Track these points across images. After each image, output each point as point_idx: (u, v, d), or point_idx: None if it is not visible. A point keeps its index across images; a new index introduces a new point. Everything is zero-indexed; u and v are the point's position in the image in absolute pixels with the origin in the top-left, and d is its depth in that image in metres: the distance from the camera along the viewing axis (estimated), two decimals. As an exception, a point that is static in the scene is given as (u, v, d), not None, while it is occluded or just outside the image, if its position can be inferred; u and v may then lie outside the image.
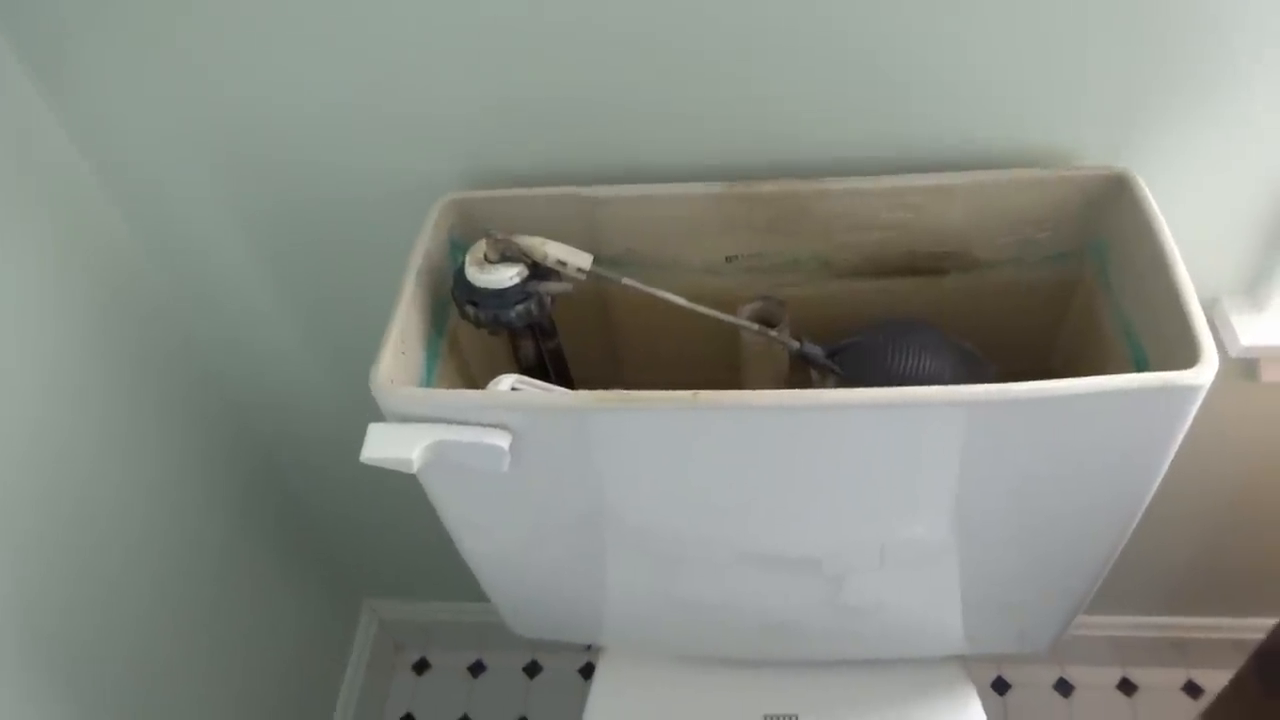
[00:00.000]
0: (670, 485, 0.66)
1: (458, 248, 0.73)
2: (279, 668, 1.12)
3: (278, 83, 0.70)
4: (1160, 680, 1.23)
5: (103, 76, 0.71)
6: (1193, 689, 1.23)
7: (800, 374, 0.73)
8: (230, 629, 1.02)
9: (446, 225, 0.72)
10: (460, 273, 0.67)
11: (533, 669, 1.33)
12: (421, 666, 1.36)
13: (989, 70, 0.66)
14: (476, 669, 1.35)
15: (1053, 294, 0.75)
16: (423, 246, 0.68)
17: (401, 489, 0.93)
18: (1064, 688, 1.24)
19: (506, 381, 0.62)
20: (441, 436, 0.59)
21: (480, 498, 0.66)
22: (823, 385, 0.71)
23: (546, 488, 0.66)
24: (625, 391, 0.57)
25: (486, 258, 0.66)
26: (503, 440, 0.59)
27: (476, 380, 0.75)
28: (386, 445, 0.59)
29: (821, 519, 0.69)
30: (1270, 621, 0.85)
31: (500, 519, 0.69)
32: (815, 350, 0.69)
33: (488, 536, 0.72)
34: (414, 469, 0.59)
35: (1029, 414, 0.56)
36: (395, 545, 1.21)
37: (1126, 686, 1.23)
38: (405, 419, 0.60)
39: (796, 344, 0.68)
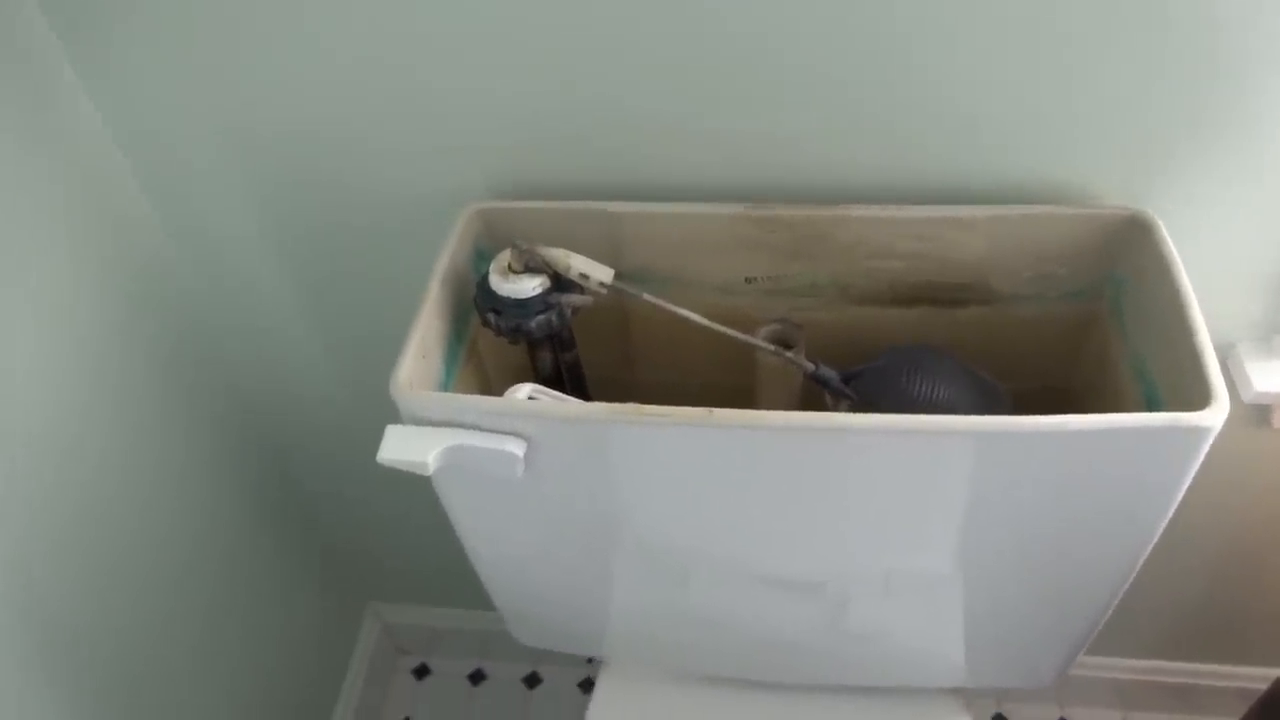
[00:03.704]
0: (680, 499, 0.66)
1: (482, 257, 0.74)
2: (280, 669, 1.12)
3: (309, 91, 0.72)
4: (1161, 726, 1.23)
5: (141, 77, 0.73)
6: (1194, 736, 1.22)
7: (814, 397, 0.73)
8: (233, 629, 1.02)
9: (472, 234, 0.73)
10: (484, 281, 0.68)
11: (532, 680, 1.33)
12: (422, 672, 1.36)
13: (1012, 104, 0.66)
14: (476, 677, 1.35)
15: (1069, 329, 0.75)
16: (448, 253, 0.70)
17: (410, 494, 0.94)
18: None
19: (524, 390, 0.63)
20: (458, 441, 0.59)
21: (492, 503, 0.67)
22: (836, 409, 0.71)
23: (558, 496, 0.66)
24: (640, 406, 0.58)
25: (510, 267, 0.67)
26: (518, 448, 0.60)
27: (494, 388, 0.76)
28: (403, 447, 0.59)
29: (828, 542, 0.70)
30: (1276, 671, 0.84)
31: (511, 525, 0.70)
32: (830, 374, 0.69)
33: (497, 542, 0.73)
34: (429, 471, 0.60)
35: (1039, 447, 0.57)
36: (401, 549, 1.21)
37: (1128, 730, 1.23)
38: (423, 423, 0.61)
39: (812, 366, 0.69)
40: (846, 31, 0.63)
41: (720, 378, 0.76)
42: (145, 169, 0.80)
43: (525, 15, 0.65)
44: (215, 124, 0.76)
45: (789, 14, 0.63)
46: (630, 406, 0.58)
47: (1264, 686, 0.84)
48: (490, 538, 0.72)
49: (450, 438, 0.60)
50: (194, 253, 0.86)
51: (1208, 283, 0.68)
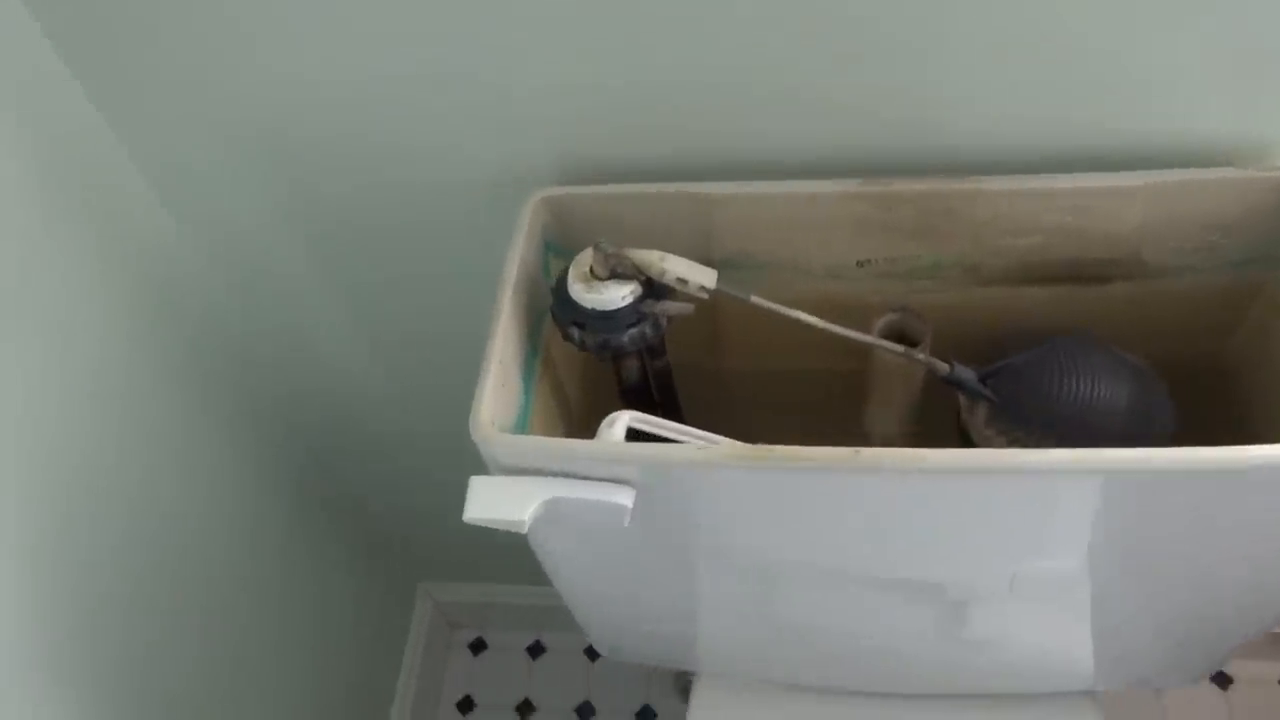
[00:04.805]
0: (803, 532, 0.58)
1: (551, 249, 0.65)
2: (337, 655, 1.09)
3: (337, 58, 0.61)
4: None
5: (147, 63, 0.62)
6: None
7: (934, 387, 0.64)
8: (288, 620, 0.99)
9: (539, 225, 0.63)
10: (562, 289, 0.58)
11: (594, 651, 1.28)
12: (478, 646, 1.31)
13: (1173, 52, 0.55)
14: (535, 650, 1.30)
15: (1227, 302, 0.66)
16: (516, 255, 0.60)
17: (452, 474, 0.86)
18: (1221, 679, 1.17)
19: (621, 421, 0.54)
20: (556, 493, 0.51)
21: (587, 547, 0.59)
22: (971, 411, 0.63)
23: (665, 536, 0.58)
24: (774, 449, 0.49)
25: (594, 272, 0.57)
26: (626, 498, 0.51)
27: (571, 402, 0.67)
28: (493, 504, 0.51)
29: (951, 548, 0.62)
30: None
31: (606, 564, 0.62)
32: (967, 374, 0.60)
33: (589, 578, 0.65)
34: (525, 530, 0.51)
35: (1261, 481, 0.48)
36: (448, 529, 1.15)
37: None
38: (511, 471, 0.52)
39: (946, 368, 0.60)
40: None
41: (819, 362, 0.67)
42: (162, 177, 0.70)
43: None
44: (235, 119, 0.65)
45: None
46: (763, 450, 0.49)
47: None
48: (581, 576, 0.64)
49: (547, 489, 0.51)
50: (217, 252, 0.77)
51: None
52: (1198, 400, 0.64)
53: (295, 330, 0.85)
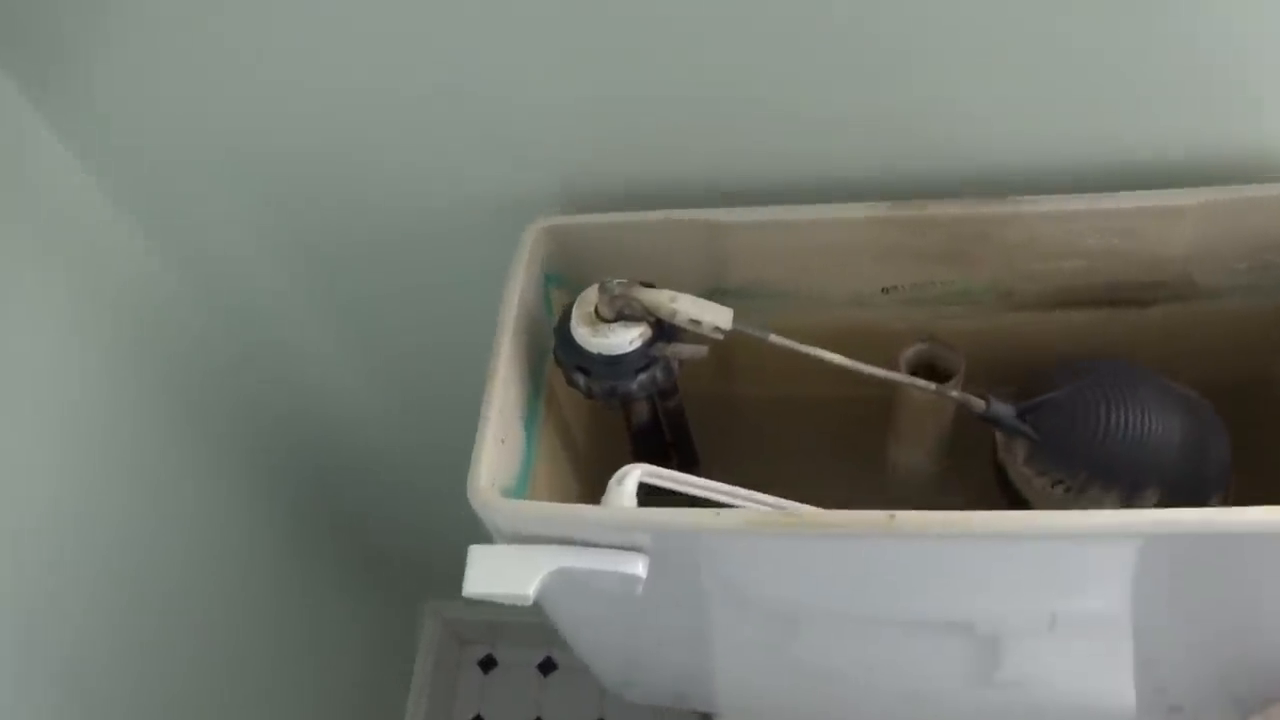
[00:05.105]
0: (830, 585, 0.54)
1: (552, 281, 0.60)
2: (345, 678, 1.06)
3: (318, 76, 0.56)
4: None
5: (110, 84, 0.58)
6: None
7: (967, 419, 0.60)
8: (291, 644, 0.95)
9: (540, 257, 0.58)
10: (565, 330, 0.54)
11: (607, 667, 1.25)
12: (488, 664, 1.28)
13: (1218, 55, 0.50)
14: (547, 666, 1.26)
15: (1278, 321, 0.61)
16: (515, 292, 0.55)
17: (452, 490, 0.83)
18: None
19: (632, 477, 0.50)
20: (563, 563, 0.47)
21: (600, 611, 0.55)
22: (1009, 449, 0.58)
23: (679, 592, 0.54)
24: (801, 513, 0.45)
25: (599, 314, 0.52)
26: (639, 567, 0.47)
27: (578, 443, 0.63)
28: (496, 577, 0.47)
29: (991, 598, 0.58)
30: None
31: (615, 618, 0.58)
32: (1005, 410, 0.56)
33: (597, 632, 0.61)
34: (529, 603, 0.47)
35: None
36: (454, 545, 1.11)
37: None
38: (514, 539, 0.48)
39: (982, 404, 0.55)
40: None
41: (840, 390, 0.62)
42: (133, 199, 0.66)
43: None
44: (210, 141, 0.60)
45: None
46: (789, 517, 0.45)
47: None
48: (589, 631, 0.60)
49: (554, 559, 0.47)
50: (214, 285, 0.73)
51: None
52: (1247, 422, 0.60)
53: (286, 351, 0.81)
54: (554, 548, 0.47)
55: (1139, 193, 0.54)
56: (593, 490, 0.51)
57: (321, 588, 1.02)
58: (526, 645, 1.27)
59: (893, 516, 0.44)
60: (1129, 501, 0.54)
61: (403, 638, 1.20)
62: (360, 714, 1.09)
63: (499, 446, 0.50)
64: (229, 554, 0.85)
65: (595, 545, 0.47)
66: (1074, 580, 0.53)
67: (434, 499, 1.00)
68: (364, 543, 1.09)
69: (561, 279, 0.60)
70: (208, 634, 0.82)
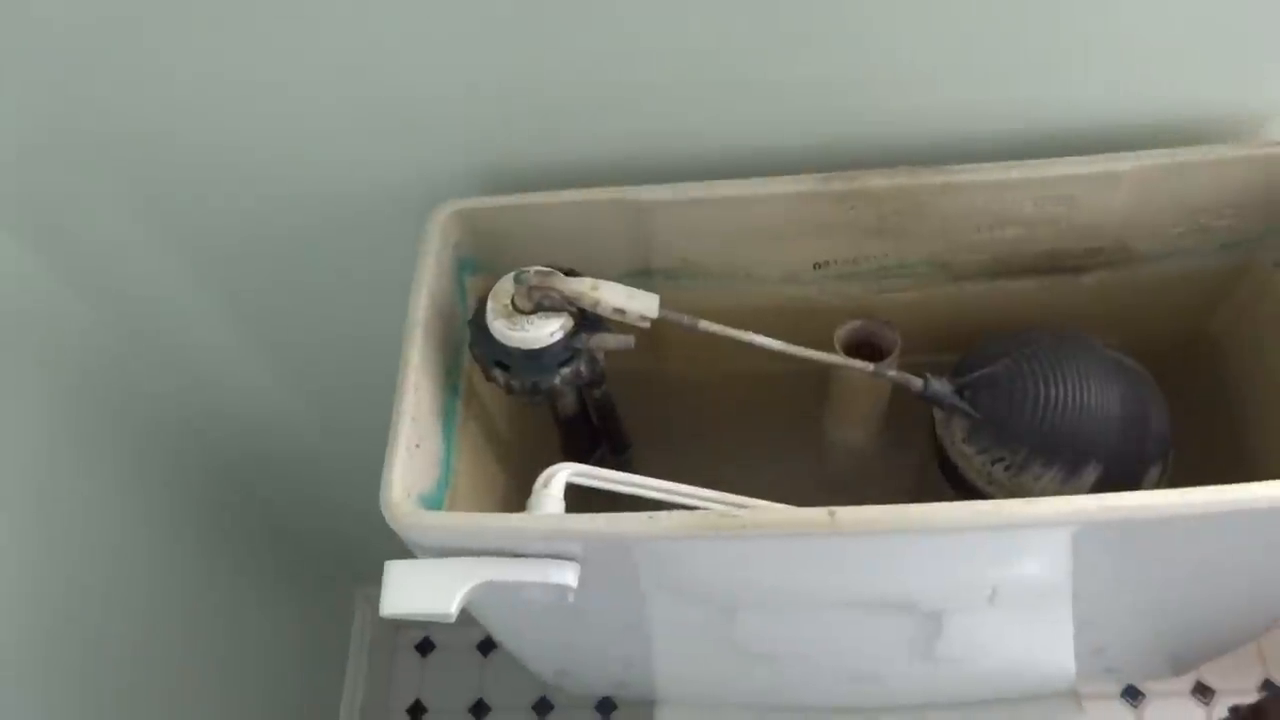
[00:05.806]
0: (769, 576, 0.52)
1: (467, 268, 0.56)
2: (279, 671, 1.02)
3: (198, 58, 0.50)
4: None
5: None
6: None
7: (902, 395, 0.58)
8: (223, 641, 0.92)
9: (451, 244, 0.54)
10: (480, 322, 0.50)
11: (548, 643, 1.23)
12: (425, 647, 1.25)
13: (1156, 20, 0.48)
14: (486, 646, 1.24)
15: (1211, 284, 0.60)
16: (424, 285, 0.51)
17: (373, 477, 0.79)
18: (1203, 691, 1.12)
19: (559, 478, 0.47)
20: (488, 576, 0.44)
21: (525, 614, 0.52)
22: (947, 425, 0.56)
23: (613, 594, 0.52)
24: (740, 515, 0.42)
25: (516, 306, 0.49)
26: (570, 576, 0.44)
27: (502, 436, 0.59)
28: (415, 595, 0.44)
29: (932, 578, 0.57)
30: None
31: (547, 621, 0.56)
32: (944, 388, 0.54)
33: (527, 634, 0.58)
34: (452, 619, 0.44)
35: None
36: (378, 530, 1.07)
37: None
38: (433, 553, 0.45)
39: (920, 383, 0.53)
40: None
41: (773, 364, 0.59)
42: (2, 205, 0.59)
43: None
44: (81, 130, 0.54)
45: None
46: (724, 518, 0.42)
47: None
48: (519, 633, 0.57)
49: (478, 572, 0.44)
50: (107, 291, 0.67)
51: None
52: (1183, 383, 0.59)
53: (192, 354, 0.76)
54: (478, 560, 0.44)
55: (1075, 159, 0.52)
56: (522, 484, 0.48)
57: (252, 579, 0.98)
58: (463, 623, 1.23)
59: (832, 514, 0.42)
60: (1070, 477, 0.53)
61: (338, 626, 1.16)
62: (297, 705, 1.05)
63: (413, 453, 0.47)
64: (155, 553, 0.80)
65: (523, 555, 0.44)
66: (1014, 558, 0.52)
67: (359, 490, 0.96)
68: (292, 531, 1.04)
69: (478, 265, 0.57)
70: (140, 632, 0.78)
